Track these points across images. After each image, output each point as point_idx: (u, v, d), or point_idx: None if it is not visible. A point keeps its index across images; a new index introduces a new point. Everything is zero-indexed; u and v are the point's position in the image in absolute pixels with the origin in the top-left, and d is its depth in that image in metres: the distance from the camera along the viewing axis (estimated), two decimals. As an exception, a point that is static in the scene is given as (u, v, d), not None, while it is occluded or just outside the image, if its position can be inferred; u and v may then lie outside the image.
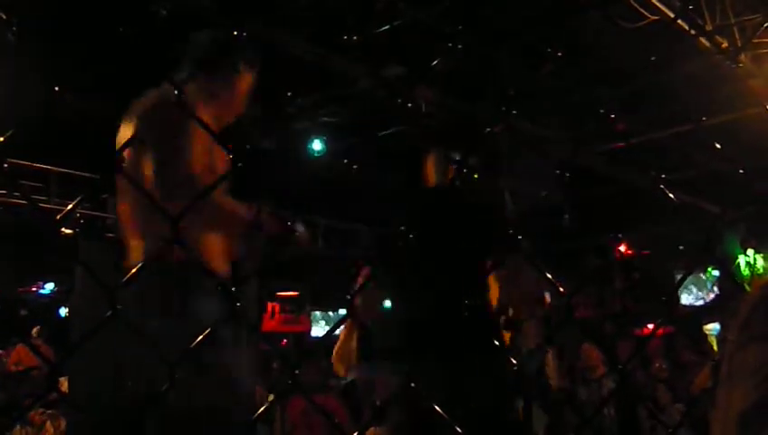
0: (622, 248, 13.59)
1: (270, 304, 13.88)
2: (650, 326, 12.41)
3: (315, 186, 8.95)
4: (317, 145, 8.47)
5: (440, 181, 3.91)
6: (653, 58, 5.84)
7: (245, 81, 2.84)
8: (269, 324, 13.50)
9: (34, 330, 9.93)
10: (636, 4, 5.66)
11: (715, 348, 12.29)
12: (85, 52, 5.80)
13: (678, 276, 13.21)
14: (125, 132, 2.50)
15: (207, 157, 2.41)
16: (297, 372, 1.15)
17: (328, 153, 8.59)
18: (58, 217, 1.72)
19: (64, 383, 8.21)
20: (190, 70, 2.70)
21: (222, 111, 2.72)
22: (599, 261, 13.84)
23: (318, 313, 15.26)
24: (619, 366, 7.49)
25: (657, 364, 8.23)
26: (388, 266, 3.71)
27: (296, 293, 13.83)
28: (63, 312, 13.20)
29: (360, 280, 3.99)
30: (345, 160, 8.93)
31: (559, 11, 6.12)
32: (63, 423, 7.70)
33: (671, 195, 1.24)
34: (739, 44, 6.14)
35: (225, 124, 2.74)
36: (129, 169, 2.36)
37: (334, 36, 6.37)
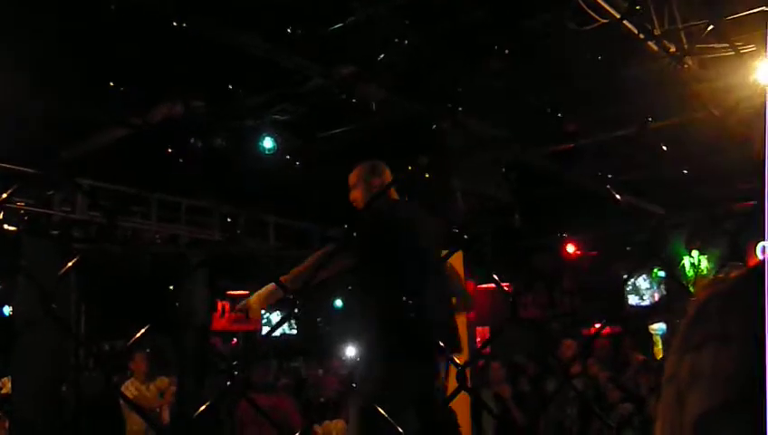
0: (571, 249, 13.74)
1: (220, 303, 13.79)
2: (598, 326, 12.59)
3: (266, 183, 8.89)
4: (268, 143, 8.40)
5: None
6: (600, 58, 5.91)
7: None
8: (219, 323, 13.41)
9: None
10: (585, 7, 5.72)
11: (660, 347, 12.53)
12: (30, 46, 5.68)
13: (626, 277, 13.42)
14: None
15: None
16: (246, 374, 1.12)
17: (279, 151, 8.53)
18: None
19: (7, 384, 8.05)
20: None
21: None
22: (547, 261, 13.99)
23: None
24: (553, 362, 7.59)
25: (593, 364, 8.31)
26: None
27: (247, 292, 13.73)
28: (7, 311, 12.93)
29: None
30: (294, 159, 8.88)
31: (508, 12, 6.16)
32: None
33: (617, 195, 1.24)
34: (686, 49, 6.25)
35: None
36: None
37: (286, 33, 6.33)
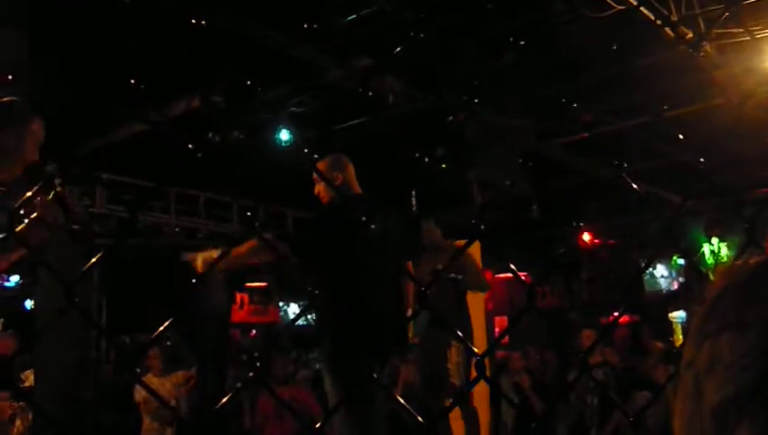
0: (588, 238, 13.66)
1: (239, 295, 13.81)
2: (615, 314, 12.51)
3: (283, 176, 8.90)
4: (284, 135, 8.41)
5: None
6: (615, 46, 5.87)
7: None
8: (238, 315, 13.44)
9: (-1, 322, 9.82)
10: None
11: (680, 335, 12.46)
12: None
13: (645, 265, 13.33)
14: None
15: None
16: (265, 367, 1.13)
17: (296, 143, 8.55)
18: (17, 204, 1.71)
19: (30, 376, 8.11)
20: None
21: None
22: (564, 251, 13.93)
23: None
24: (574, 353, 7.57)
25: (611, 354, 8.27)
26: None
27: (265, 283, 13.76)
28: (29, 305, 13.02)
29: None
30: (313, 151, 8.88)
31: (524, 0, 6.14)
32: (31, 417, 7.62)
33: (634, 184, 1.24)
34: (704, 34, 6.19)
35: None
36: None
37: (302, 26, 6.33)
